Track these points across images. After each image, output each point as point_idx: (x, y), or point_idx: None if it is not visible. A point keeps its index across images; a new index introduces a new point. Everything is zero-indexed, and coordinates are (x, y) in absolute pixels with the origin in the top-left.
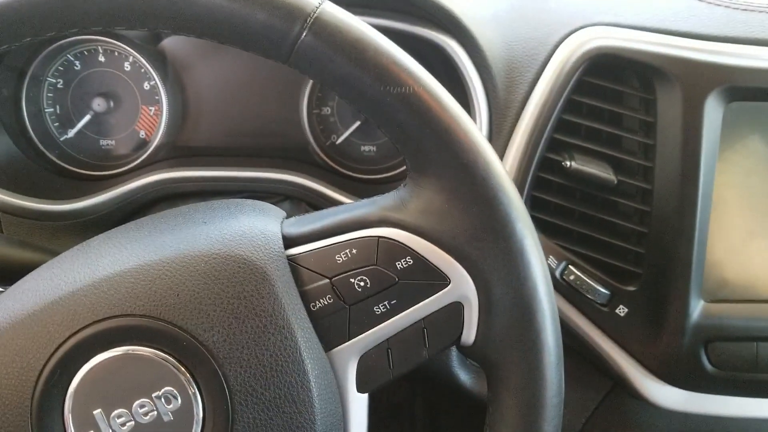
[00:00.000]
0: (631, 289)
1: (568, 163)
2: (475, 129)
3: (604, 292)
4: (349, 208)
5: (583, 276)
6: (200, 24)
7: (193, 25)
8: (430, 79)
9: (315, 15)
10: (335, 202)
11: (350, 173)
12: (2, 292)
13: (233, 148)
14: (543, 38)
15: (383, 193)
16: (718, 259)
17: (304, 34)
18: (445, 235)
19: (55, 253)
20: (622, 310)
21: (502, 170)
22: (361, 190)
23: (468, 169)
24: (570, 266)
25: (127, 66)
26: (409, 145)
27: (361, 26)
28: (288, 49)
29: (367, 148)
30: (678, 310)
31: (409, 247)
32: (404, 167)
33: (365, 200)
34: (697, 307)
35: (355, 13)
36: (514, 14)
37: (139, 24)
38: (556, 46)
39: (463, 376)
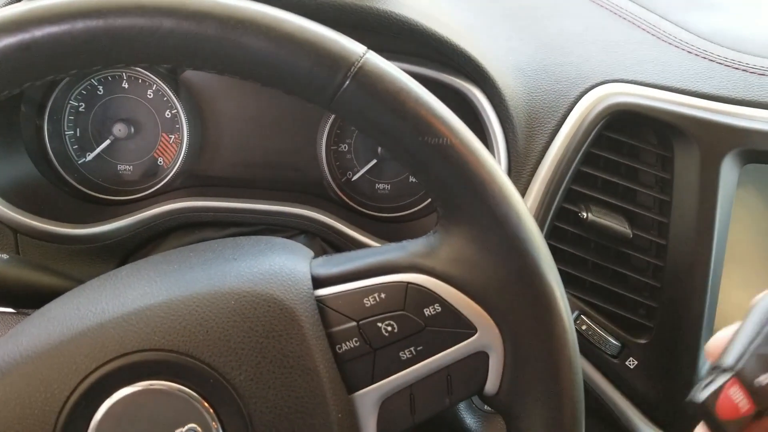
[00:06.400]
0: (642, 342)
1: (584, 214)
2: (509, 183)
3: (615, 344)
4: (379, 251)
5: (594, 326)
6: (245, 67)
7: (239, 68)
8: (467, 131)
9: (359, 65)
10: (349, 238)
11: (364, 210)
12: (26, 315)
13: (249, 178)
14: (564, 91)
15: (396, 231)
16: (728, 316)
17: (347, 82)
18: (475, 284)
19: (73, 279)
20: (631, 363)
21: (533, 224)
22: (374, 226)
23: (500, 221)
24: (582, 316)
25: (149, 93)
26: (442, 194)
27: (403, 77)
28: (330, 95)
29: (381, 185)
30: (687, 365)
31: (438, 295)
32: (417, 207)
33: (394, 244)
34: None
35: (382, 56)
36: (536, 66)
37: (186, 63)
38: (577, 100)
39: (470, 420)
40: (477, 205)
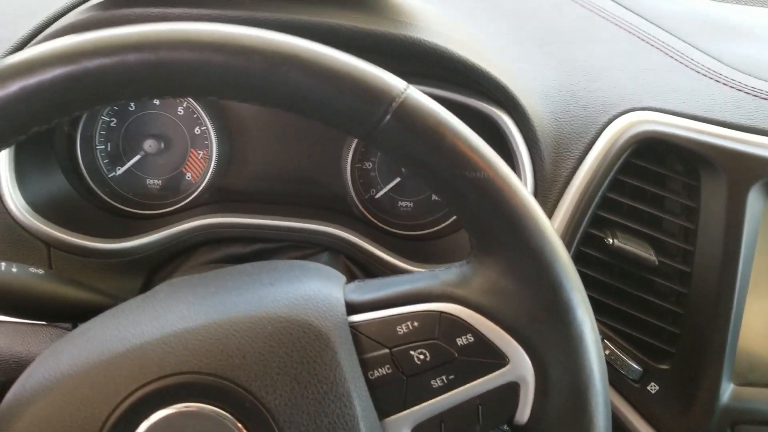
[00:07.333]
0: (664, 367)
1: (610, 240)
2: (543, 215)
3: (637, 369)
4: (411, 279)
5: (617, 351)
6: (288, 101)
7: (282, 102)
8: (504, 165)
9: (400, 100)
10: (372, 256)
11: (387, 227)
12: (58, 328)
13: (274, 193)
14: (592, 117)
15: (419, 249)
16: (749, 344)
17: (388, 117)
18: (507, 315)
19: (104, 294)
20: (653, 388)
21: (567, 257)
22: (396, 244)
23: (535, 254)
24: (605, 341)
25: (180, 110)
26: (477, 226)
27: (442, 112)
28: (370, 129)
29: (404, 203)
30: (708, 392)
31: (471, 325)
32: (440, 226)
33: (427, 272)
34: (727, 390)
35: (411, 82)
36: (564, 92)
37: (231, 96)
38: (604, 126)
39: None
40: (512, 238)
